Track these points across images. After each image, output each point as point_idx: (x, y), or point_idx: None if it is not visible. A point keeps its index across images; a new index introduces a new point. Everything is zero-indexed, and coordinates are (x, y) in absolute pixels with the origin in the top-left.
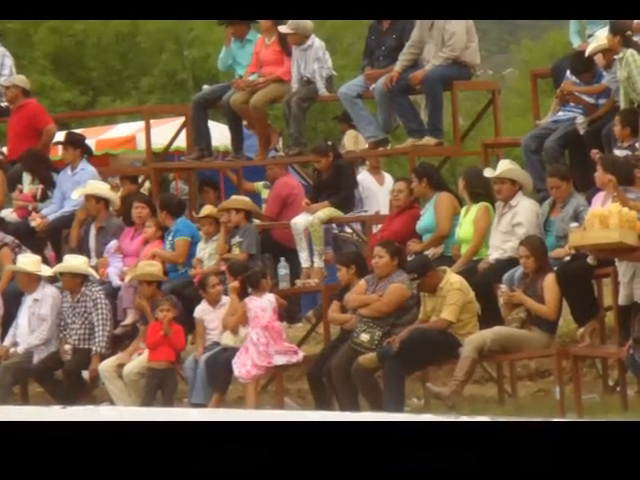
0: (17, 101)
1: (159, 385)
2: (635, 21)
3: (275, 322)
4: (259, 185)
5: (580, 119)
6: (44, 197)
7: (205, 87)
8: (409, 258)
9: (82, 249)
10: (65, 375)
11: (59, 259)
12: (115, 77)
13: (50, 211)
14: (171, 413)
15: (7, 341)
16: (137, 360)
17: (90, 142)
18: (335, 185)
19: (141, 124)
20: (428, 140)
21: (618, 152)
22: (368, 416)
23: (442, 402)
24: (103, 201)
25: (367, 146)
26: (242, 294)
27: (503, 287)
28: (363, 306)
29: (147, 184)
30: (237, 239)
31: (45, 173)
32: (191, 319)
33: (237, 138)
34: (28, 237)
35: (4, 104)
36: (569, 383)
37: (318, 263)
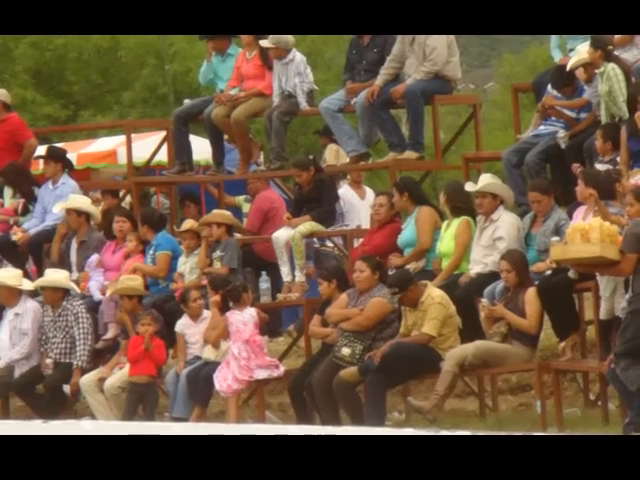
0: None
1: (140, 399)
2: (616, 35)
3: (256, 336)
4: (240, 199)
5: (561, 133)
6: (25, 211)
7: (186, 101)
8: (390, 272)
9: (63, 263)
10: (46, 389)
11: (40, 273)
12: (96, 91)
13: (31, 225)
14: (152, 427)
15: None
16: (118, 374)
17: (71, 156)
18: (316, 199)
19: (122, 138)
20: (409, 154)
21: (599, 166)
22: (349, 430)
23: (423, 416)
24: (84, 215)
25: (348, 160)
26: (223, 308)
27: (484, 301)
28: (344, 320)
29: (128, 198)
30: (218, 253)
31: (26, 187)
32: (172, 333)
33: (218, 152)
34: (9, 251)
35: None
36: (550, 397)
37: (299, 277)
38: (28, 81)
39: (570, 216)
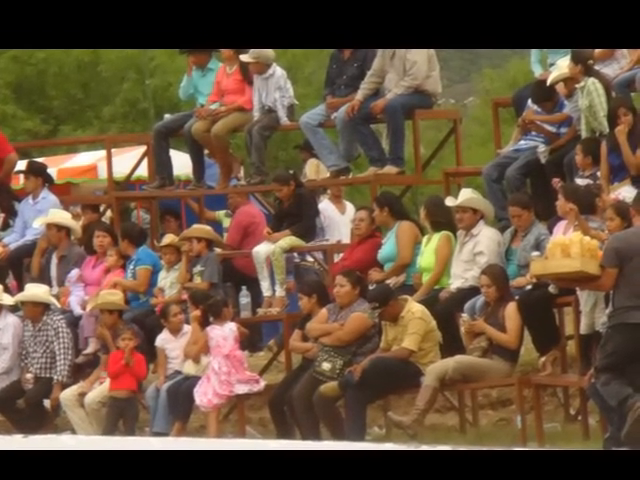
0: None
1: (121, 414)
2: (596, 50)
3: (236, 351)
4: (220, 214)
5: (541, 148)
6: (5, 226)
7: (166, 116)
8: (370, 287)
9: (44, 278)
10: (27, 404)
11: (21, 288)
12: (76, 106)
13: (12, 240)
14: (133, 442)
15: None
16: (99, 389)
17: (51, 171)
18: (296, 214)
19: (102, 153)
20: (389, 169)
21: (579, 181)
22: (329, 445)
23: (403, 431)
24: (64, 230)
25: (328, 175)
26: (204, 323)
27: (464, 316)
28: (324, 335)
29: (108, 213)
30: (198, 268)
31: (6, 202)
32: (152, 348)
33: (198, 167)
34: None
35: None
36: (530, 412)
37: (280, 292)
38: (8, 95)
39: (550, 231)
